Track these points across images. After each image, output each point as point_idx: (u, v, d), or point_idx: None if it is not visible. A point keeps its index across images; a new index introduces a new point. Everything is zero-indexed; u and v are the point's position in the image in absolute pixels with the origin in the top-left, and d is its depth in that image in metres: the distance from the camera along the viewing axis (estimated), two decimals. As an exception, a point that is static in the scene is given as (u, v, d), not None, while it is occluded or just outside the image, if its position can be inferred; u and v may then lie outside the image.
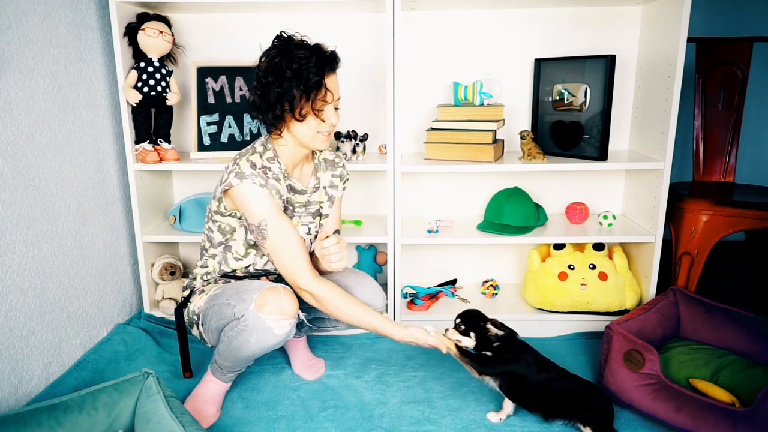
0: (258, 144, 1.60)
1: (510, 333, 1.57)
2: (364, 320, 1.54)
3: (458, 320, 1.60)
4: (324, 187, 1.73)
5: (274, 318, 1.45)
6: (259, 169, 1.53)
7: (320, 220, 1.74)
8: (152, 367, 1.79)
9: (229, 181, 1.50)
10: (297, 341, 1.86)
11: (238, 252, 1.64)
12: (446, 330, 1.60)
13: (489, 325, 1.56)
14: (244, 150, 1.59)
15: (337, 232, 1.79)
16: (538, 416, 1.58)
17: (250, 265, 1.66)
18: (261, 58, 1.54)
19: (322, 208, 1.73)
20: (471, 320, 1.59)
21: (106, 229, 2.04)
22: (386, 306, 1.76)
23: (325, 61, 1.51)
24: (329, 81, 1.53)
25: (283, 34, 1.54)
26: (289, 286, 1.56)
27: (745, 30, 2.61)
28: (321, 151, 1.73)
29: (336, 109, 1.58)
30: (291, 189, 1.63)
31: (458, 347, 1.56)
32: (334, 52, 1.55)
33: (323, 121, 1.54)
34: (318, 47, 1.52)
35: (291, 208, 1.64)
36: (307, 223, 1.70)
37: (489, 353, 1.55)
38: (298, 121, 1.52)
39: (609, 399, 1.58)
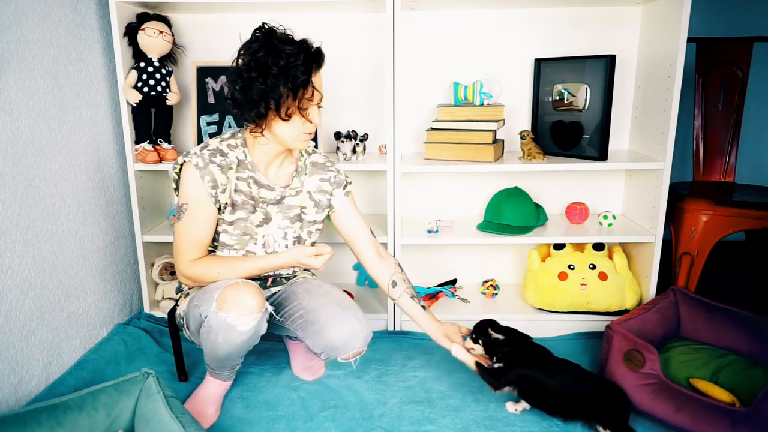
0: (228, 132, 1.56)
1: (517, 337, 1.58)
2: (249, 270, 1.52)
3: (473, 329, 1.64)
4: (309, 192, 1.66)
5: (234, 315, 1.40)
6: (210, 149, 1.49)
7: (301, 226, 1.65)
8: (152, 367, 1.78)
9: (178, 158, 1.51)
10: (298, 343, 1.86)
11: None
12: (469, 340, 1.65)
13: (489, 330, 1.58)
14: None
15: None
16: (558, 419, 1.56)
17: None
18: (241, 51, 1.45)
19: (304, 213, 1.65)
20: (479, 328, 1.62)
21: (106, 229, 2.04)
22: (367, 342, 1.60)
23: (312, 58, 1.44)
24: (315, 80, 1.46)
25: (265, 26, 1.46)
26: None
27: (745, 30, 2.61)
28: (310, 154, 1.68)
29: (319, 107, 1.52)
30: (255, 182, 1.57)
31: (477, 364, 1.58)
32: (320, 48, 1.47)
33: (310, 122, 1.49)
34: (304, 43, 1.45)
35: (252, 202, 1.57)
36: (284, 227, 1.62)
37: (501, 364, 1.55)
38: (283, 120, 1.45)
39: (627, 397, 1.56)
